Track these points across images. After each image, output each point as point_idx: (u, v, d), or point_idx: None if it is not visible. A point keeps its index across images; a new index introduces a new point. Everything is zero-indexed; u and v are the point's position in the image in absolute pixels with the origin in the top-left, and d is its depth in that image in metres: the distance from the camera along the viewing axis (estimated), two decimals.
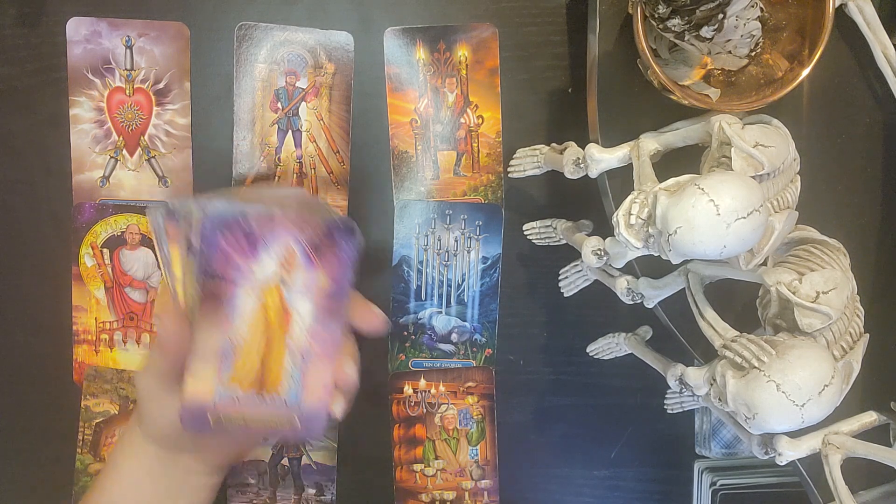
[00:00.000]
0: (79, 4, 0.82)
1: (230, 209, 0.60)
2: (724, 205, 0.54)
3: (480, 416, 0.88)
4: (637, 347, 0.79)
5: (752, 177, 0.58)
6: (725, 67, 0.67)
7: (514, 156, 0.80)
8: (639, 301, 0.71)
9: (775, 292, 0.62)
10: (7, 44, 0.82)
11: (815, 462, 0.66)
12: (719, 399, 0.62)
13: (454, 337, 0.87)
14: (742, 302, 0.70)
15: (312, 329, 0.62)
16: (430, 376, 0.87)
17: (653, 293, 0.69)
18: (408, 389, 0.87)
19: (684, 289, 0.67)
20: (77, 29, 0.82)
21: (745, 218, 0.54)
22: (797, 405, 0.57)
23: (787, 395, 0.56)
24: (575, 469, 0.90)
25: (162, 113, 0.84)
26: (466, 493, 0.88)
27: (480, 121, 0.84)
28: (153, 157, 0.84)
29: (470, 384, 0.87)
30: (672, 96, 0.64)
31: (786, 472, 0.74)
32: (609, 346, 0.83)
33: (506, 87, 0.84)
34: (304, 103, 0.84)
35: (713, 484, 0.85)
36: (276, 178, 0.85)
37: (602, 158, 0.67)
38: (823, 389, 0.57)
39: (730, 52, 0.65)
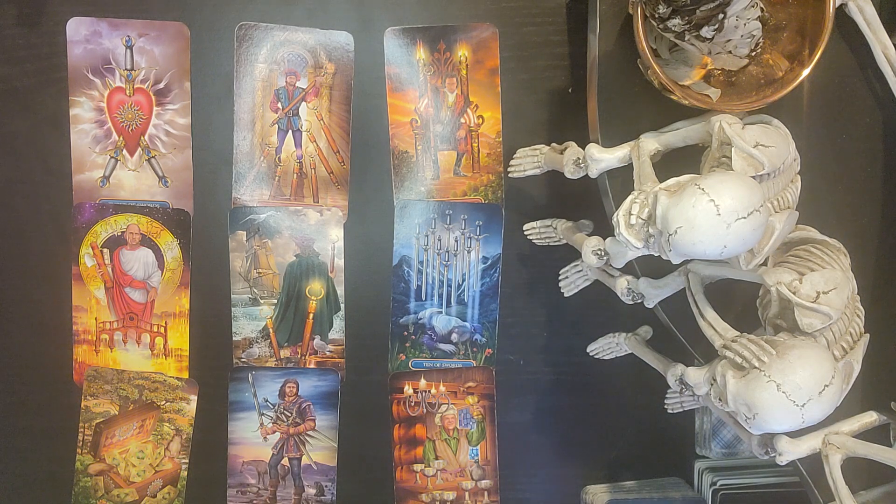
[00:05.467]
0: (79, 4, 0.82)
1: None
2: (725, 205, 0.53)
3: (480, 416, 0.88)
4: (637, 347, 0.79)
5: (753, 177, 0.58)
6: (725, 67, 0.66)
7: (515, 156, 0.80)
8: (639, 301, 0.71)
9: (776, 292, 0.62)
10: (7, 44, 0.82)
11: (815, 462, 0.66)
12: (719, 399, 0.62)
13: (454, 337, 0.87)
14: (742, 302, 0.70)
15: None
16: (431, 376, 0.87)
17: (653, 293, 0.69)
18: (408, 389, 0.87)
19: (684, 289, 0.67)
20: (77, 29, 0.82)
21: (745, 218, 0.54)
22: (797, 405, 0.57)
23: (787, 395, 0.56)
24: (575, 469, 0.90)
25: (162, 113, 0.84)
26: (466, 494, 0.88)
27: (480, 121, 0.84)
28: (153, 157, 0.84)
29: (470, 384, 0.87)
30: (672, 96, 0.64)
31: (786, 472, 0.74)
32: (609, 346, 0.83)
33: (506, 87, 0.84)
34: (304, 103, 0.84)
35: (713, 484, 0.85)
36: (276, 177, 0.85)
37: (602, 158, 0.67)
38: (824, 389, 0.57)
39: (730, 52, 0.65)
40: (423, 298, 0.86)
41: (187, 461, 0.87)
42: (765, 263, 0.65)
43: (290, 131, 0.84)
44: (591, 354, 0.85)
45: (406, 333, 0.87)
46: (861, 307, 0.66)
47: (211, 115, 0.84)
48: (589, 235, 0.73)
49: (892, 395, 0.69)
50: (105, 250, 0.85)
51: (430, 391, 0.87)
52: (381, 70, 0.83)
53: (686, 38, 0.61)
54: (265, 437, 0.87)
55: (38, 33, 0.82)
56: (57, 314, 0.85)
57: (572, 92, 0.83)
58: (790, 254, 0.67)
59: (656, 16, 0.59)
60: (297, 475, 0.88)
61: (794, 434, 0.64)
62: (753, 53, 0.65)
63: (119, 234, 0.85)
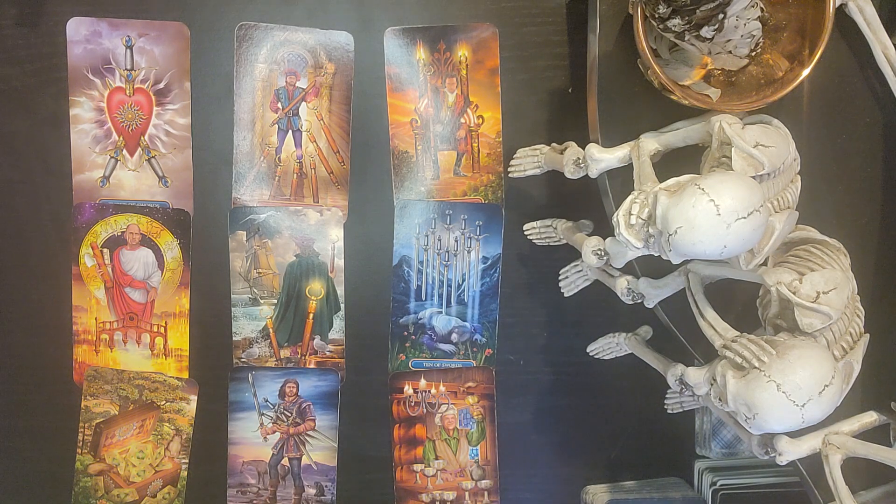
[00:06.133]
0: (79, 4, 0.82)
1: None
2: (725, 205, 0.53)
3: (480, 416, 0.88)
4: (637, 347, 0.79)
5: (753, 177, 0.58)
6: (725, 67, 0.66)
7: (515, 156, 0.80)
8: (639, 301, 0.71)
9: (776, 292, 0.62)
10: (7, 44, 0.82)
11: (815, 462, 0.66)
12: (719, 399, 0.62)
13: (454, 337, 0.87)
14: (742, 302, 0.70)
15: None
16: (431, 376, 0.87)
17: (653, 293, 0.69)
18: (408, 389, 0.87)
19: (684, 289, 0.67)
20: (77, 29, 0.82)
21: (745, 218, 0.54)
22: (797, 405, 0.57)
23: (787, 395, 0.56)
24: (575, 469, 0.90)
25: (162, 113, 0.84)
26: (466, 493, 0.88)
27: (480, 121, 0.84)
28: (153, 157, 0.84)
29: (470, 384, 0.87)
30: (672, 96, 0.64)
31: (786, 472, 0.74)
32: (609, 346, 0.83)
33: (506, 87, 0.84)
34: (304, 103, 0.84)
35: (713, 484, 0.85)
36: (276, 177, 0.85)
37: (602, 158, 0.67)
38: (824, 389, 0.57)
39: (730, 52, 0.65)
40: (423, 298, 0.86)
41: (187, 461, 0.87)
42: (765, 263, 0.65)
43: (290, 131, 0.84)
44: (591, 354, 0.85)
45: (406, 333, 0.87)
46: (861, 307, 0.66)
47: (211, 115, 0.84)
48: (589, 235, 0.73)
49: (892, 395, 0.69)
50: (105, 250, 0.85)
51: (430, 391, 0.87)
52: (381, 70, 0.83)
53: (686, 38, 0.61)
54: (265, 437, 0.87)
55: (38, 33, 0.82)
56: (57, 314, 0.85)
57: (572, 92, 0.83)
58: (790, 254, 0.67)
59: (656, 16, 0.59)
60: (297, 475, 0.88)
61: (794, 434, 0.64)
62: (753, 53, 0.65)
63: (119, 234, 0.85)
